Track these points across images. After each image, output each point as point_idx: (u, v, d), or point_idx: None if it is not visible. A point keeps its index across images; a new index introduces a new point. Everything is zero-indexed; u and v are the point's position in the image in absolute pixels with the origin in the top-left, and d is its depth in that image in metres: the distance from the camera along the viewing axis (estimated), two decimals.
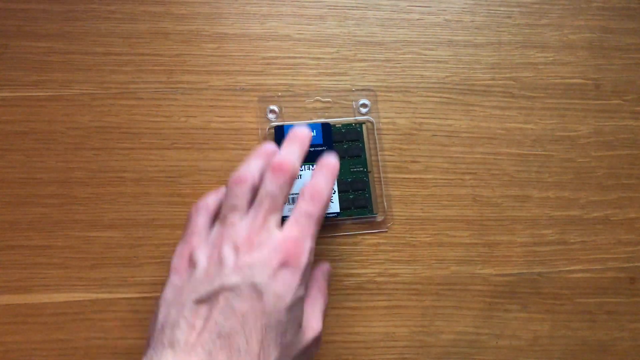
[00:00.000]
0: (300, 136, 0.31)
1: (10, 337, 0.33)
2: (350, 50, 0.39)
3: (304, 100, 0.37)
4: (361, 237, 0.36)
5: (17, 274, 0.34)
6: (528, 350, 0.35)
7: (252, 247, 0.26)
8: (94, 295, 0.34)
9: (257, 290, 0.25)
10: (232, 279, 0.25)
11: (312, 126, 0.36)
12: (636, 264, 0.36)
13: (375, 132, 0.37)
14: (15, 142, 0.36)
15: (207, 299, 0.25)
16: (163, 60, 0.38)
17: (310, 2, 0.40)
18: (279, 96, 0.37)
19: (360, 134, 0.37)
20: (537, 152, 0.38)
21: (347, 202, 0.35)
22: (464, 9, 0.40)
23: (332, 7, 0.40)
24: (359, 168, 0.36)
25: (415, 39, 0.39)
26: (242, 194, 0.28)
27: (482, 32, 0.40)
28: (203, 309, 0.25)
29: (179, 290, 0.26)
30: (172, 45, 0.38)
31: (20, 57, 0.37)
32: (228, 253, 0.26)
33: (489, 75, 0.39)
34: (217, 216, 0.29)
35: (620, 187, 0.38)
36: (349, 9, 0.40)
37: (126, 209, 0.35)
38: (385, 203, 0.36)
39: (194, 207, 0.30)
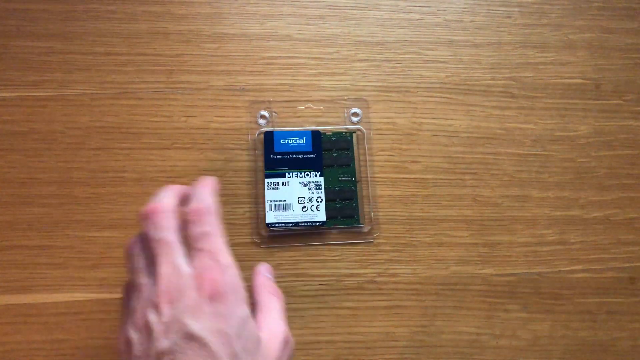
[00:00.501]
0: (173, 187, 0.29)
1: (10, 337, 0.33)
2: (350, 50, 0.39)
3: (296, 107, 0.37)
4: (347, 246, 0.35)
5: (17, 274, 0.34)
6: (528, 350, 0.35)
7: (171, 299, 0.24)
8: (94, 295, 0.34)
9: (196, 339, 0.23)
10: (166, 341, 0.23)
11: (302, 133, 0.36)
12: (636, 264, 0.36)
13: (366, 141, 0.37)
14: (15, 142, 0.36)
15: None
16: (163, 60, 0.38)
17: (310, 2, 0.40)
18: (270, 101, 0.37)
19: (350, 142, 0.37)
20: (537, 152, 0.38)
21: (333, 211, 0.35)
22: (464, 9, 0.40)
23: (332, 7, 0.40)
24: (348, 177, 0.36)
25: (415, 39, 0.39)
26: (136, 254, 0.26)
27: (482, 32, 0.40)
28: None
29: None
30: (172, 45, 0.38)
31: (20, 57, 0.37)
32: (151, 316, 0.24)
33: (489, 75, 0.39)
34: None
35: (620, 187, 0.38)
36: (349, 9, 0.40)
37: (126, 209, 0.35)
38: (372, 213, 0.36)
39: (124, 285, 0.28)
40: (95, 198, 0.35)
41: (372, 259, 0.35)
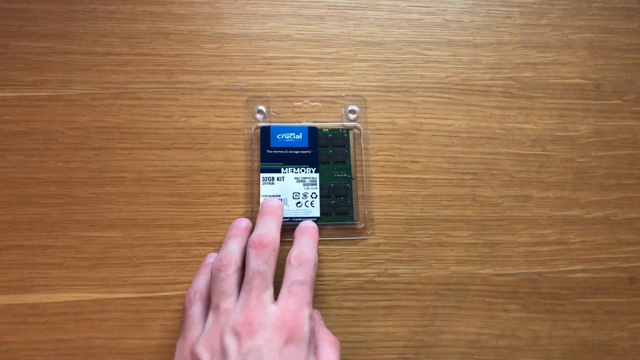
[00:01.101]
0: (273, 208, 0.32)
1: (10, 337, 0.33)
2: (350, 50, 0.39)
3: (293, 103, 0.37)
4: (340, 243, 0.35)
5: (17, 274, 0.34)
6: (528, 350, 0.35)
7: (252, 330, 0.25)
8: (94, 295, 0.34)
9: None
10: None
11: (299, 129, 0.36)
12: (636, 264, 0.36)
13: (362, 139, 0.37)
14: (15, 142, 0.36)
15: None
16: (163, 60, 0.38)
17: (310, 2, 0.40)
18: (268, 97, 0.37)
19: (346, 139, 0.37)
20: (537, 152, 0.38)
21: (327, 207, 0.35)
22: (464, 9, 0.40)
23: (332, 7, 0.40)
24: (343, 174, 0.36)
25: (415, 39, 0.39)
26: (228, 278, 0.28)
27: (482, 32, 0.40)
28: None
29: None
30: (172, 45, 0.38)
31: (20, 57, 0.37)
32: (229, 341, 0.25)
33: (488, 75, 0.39)
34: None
35: (620, 187, 0.38)
36: (349, 9, 0.40)
37: (126, 209, 0.35)
38: (366, 210, 0.36)
39: (186, 297, 0.30)
40: (95, 198, 0.35)
41: (372, 259, 0.35)
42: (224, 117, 0.37)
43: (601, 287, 0.36)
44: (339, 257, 0.35)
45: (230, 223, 0.35)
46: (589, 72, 0.40)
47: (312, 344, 0.27)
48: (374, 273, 0.35)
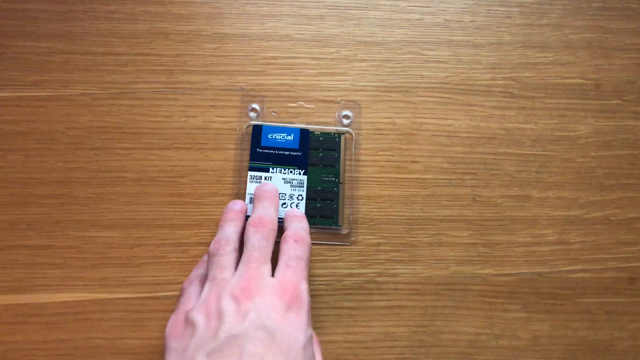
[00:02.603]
0: (270, 193, 0.32)
1: (10, 337, 0.33)
2: (350, 50, 0.39)
3: (288, 104, 0.37)
4: (322, 246, 0.35)
5: (17, 274, 0.34)
6: (528, 350, 0.35)
7: (251, 294, 0.25)
8: (94, 295, 0.34)
9: (269, 333, 0.24)
10: (238, 326, 0.24)
11: (291, 130, 0.36)
12: (636, 264, 0.36)
13: (354, 145, 0.37)
14: (15, 142, 0.36)
15: (219, 351, 0.23)
16: (163, 60, 0.38)
17: (310, 2, 0.40)
18: (262, 96, 0.37)
19: (337, 144, 0.36)
20: (537, 152, 0.38)
21: (313, 210, 0.35)
22: (464, 9, 0.40)
23: (332, 7, 0.40)
24: (331, 178, 0.36)
25: (415, 39, 0.39)
26: (226, 254, 0.28)
27: (482, 32, 0.40)
28: None
29: (181, 352, 0.25)
30: (172, 45, 0.38)
31: (20, 57, 0.37)
32: (227, 304, 0.25)
33: (489, 75, 0.39)
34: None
35: (620, 187, 0.38)
36: (349, 9, 0.40)
37: (126, 209, 0.35)
38: (351, 216, 0.36)
39: (184, 282, 0.30)
40: (95, 198, 0.35)
41: (372, 259, 0.35)
42: (224, 117, 0.37)
43: (601, 287, 0.36)
44: (339, 257, 0.35)
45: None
46: (589, 72, 0.40)
47: (310, 319, 0.27)
48: (374, 273, 0.35)
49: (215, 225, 0.35)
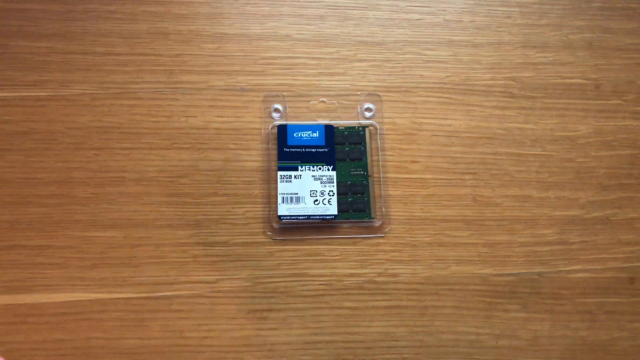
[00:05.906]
0: None
1: (10, 337, 0.33)
2: (350, 50, 0.39)
3: (309, 101, 0.37)
4: (360, 238, 0.36)
5: (17, 274, 0.34)
6: (528, 350, 0.35)
7: None
8: (94, 295, 0.34)
9: None
10: None
11: (315, 127, 0.36)
12: (636, 264, 0.36)
13: (378, 136, 0.37)
14: (15, 142, 0.36)
15: None
16: (163, 60, 0.38)
17: (310, 2, 0.40)
18: (283, 95, 0.37)
19: (362, 137, 0.37)
20: (537, 152, 0.38)
21: (345, 205, 0.35)
22: (464, 9, 0.40)
23: (332, 7, 0.40)
24: (360, 171, 0.36)
25: (415, 39, 0.39)
26: None
27: (482, 32, 0.40)
28: None
29: None
30: (172, 45, 0.38)
31: (20, 57, 0.37)
32: None
33: (489, 75, 0.39)
34: None
35: (620, 187, 0.38)
36: (349, 9, 0.40)
37: (126, 209, 0.35)
38: (383, 208, 0.36)
39: None
40: (95, 198, 0.35)
41: (372, 259, 0.35)
42: (224, 116, 0.37)
43: (601, 287, 0.36)
44: (339, 257, 0.35)
45: (231, 223, 0.35)
46: (589, 72, 0.40)
47: None
48: (374, 273, 0.35)
49: (215, 225, 0.35)
